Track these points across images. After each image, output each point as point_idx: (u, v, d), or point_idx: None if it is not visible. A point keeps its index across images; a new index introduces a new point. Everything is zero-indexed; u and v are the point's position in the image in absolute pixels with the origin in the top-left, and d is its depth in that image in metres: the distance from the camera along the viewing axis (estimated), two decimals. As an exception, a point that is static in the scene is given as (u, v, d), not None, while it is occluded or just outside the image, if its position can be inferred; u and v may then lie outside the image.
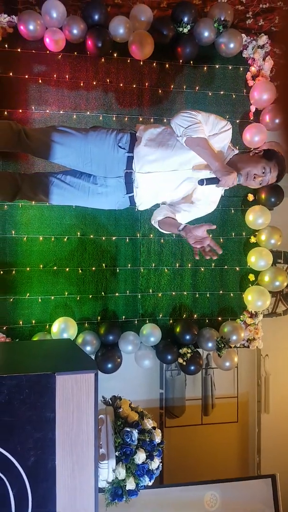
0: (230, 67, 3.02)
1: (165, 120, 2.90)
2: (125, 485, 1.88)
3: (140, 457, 1.90)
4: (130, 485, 1.88)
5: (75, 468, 1.15)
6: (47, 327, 2.76)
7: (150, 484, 1.98)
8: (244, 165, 1.84)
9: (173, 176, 1.87)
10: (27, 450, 1.04)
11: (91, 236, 2.85)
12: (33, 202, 2.66)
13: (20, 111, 2.71)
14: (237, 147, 1.91)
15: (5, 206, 2.69)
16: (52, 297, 2.78)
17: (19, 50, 2.70)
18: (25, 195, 2.08)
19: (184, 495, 2.85)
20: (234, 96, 3.03)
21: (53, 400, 1.08)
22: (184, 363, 2.89)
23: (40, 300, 2.76)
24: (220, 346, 2.89)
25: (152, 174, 1.87)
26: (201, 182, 1.75)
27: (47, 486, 1.04)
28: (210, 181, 1.75)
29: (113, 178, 1.94)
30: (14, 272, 2.72)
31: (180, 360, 2.89)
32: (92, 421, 1.16)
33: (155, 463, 1.97)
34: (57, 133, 1.94)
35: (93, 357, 2.80)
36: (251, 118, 3.03)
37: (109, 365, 2.73)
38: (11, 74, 2.69)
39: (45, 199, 2.07)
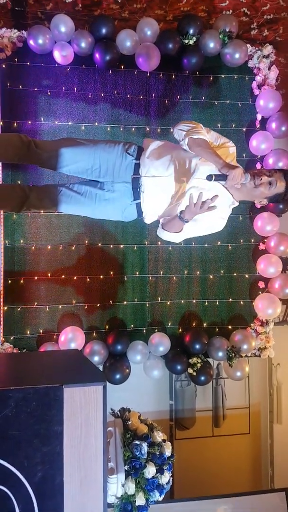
0: (235, 77, 3.03)
1: (171, 130, 2.91)
2: (135, 501, 1.84)
3: (150, 471, 1.86)
4: (140, 500, 1.84)
5: (84, 483, 1.13)
6: (55, 336, 2.75)
7: (160, 499, 1.93)
8: (250, 171, 1.84)
9: (178, 181, 1.87)
10: (35, 465, 1.02)
11: (99, 244, 2.85)
12: (41, 211, 2.67)
13: (30, 122, 2.74)
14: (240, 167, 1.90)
15: (14, 216, 2.71)
16: (60, 306, 2.78)
17: (28, 63, 2.75)
18: (32, 205, 2.10)
19: (195, 509, 2.79)
20: (240, 105, 3.04)
21: (61, 413, 1.06)
22: (194, 373, 2.85)
23: (47, 309, 2.76)
24: (230, 355, 2.85)
25: (157, 179, 1.88)
26: (209, 177, 1.71)
27: (54, 502, 1.02)
28: (218, 177, 1.71)
29: (120, 183, 1.97)
30: (22, 281, 2.72)
31: (190, 370, 2.86)
32: (101, 435, 1.14)
33: (166, 477, 1.93)
34: (67, 142, 2.01)
35: (101, 367, 2.77)
36: (258, 126, 3.04)
37: (118, 376, 2.70)
38: (20, 87, 2.73)
39: (53, 208, 2.09)
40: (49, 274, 2.76)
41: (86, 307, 2.82)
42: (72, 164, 1.97)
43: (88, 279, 2.82)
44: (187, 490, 3.15)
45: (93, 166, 1.96)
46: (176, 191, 1.89)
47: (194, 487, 3.21)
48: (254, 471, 3.70)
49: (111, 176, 1.97)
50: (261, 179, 1.80)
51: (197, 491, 3.11)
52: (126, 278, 2.89)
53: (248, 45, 2.98)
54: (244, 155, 2.98)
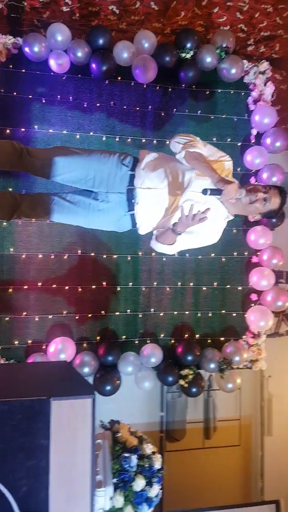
0: (231, 92, 3.07)
1: (167, 142, 2.93)
2: (123, 514, 1.82)
3: (139, 484, 1.84)
4: (128, 513, 1.82)
5: (70, 497, 1.12)
6: (44, 347, 2.72)
7: (148, 512, 1.91)
8: (246, 187, 1.85)
9: (172, 194, 1.87)
10: (19, 479, 1.00)
11: (92, 254, 2.84)
12: (33, 219, 2.66)
13: (23, 130, 2.74)
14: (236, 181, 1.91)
15: (4, 223, 2.69)
16: (50, 316, 2.75)
17: (23, 70, 2.75)
18: (24, 213, 2.08)
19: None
20: (235, 120, 3.07)
21: (47, 427, 1.04)
22: (186, 385, 2.84)
23: (37, 319, 2.73)
24: (222, 367, 2.85)
25: (152, 190, 1.88)
26: (204, 191, 1.72)
27: (39, 518, 1.00)
28: (213, 191, 1.72)
29: (115, 194, 1.95)
30: (11, 290, 2.69)
31: (182, 382, 2.84)
32: (89, 448, 1.13)
33: (155, 490, 1.91)
34: (61, 151, 1.99)
35: (91, 378, 2.75)
36: (253, 141, 3.07)
37: (108, 387, 2.68)
38: (15, 93, 2.73)
39: (45, 217, 2.08)
40: (39, 284, 2.73)
41: (77, 317, 2.80)
42: (66, 173, 1.97)
43: (80, 289, 2.81)
44: (177, 503, 3.11)
45: (87, 176, 1.95)
46: (170, 204, 1.89)
47: (183, 499, 3.18)
48: (244, 483, 3.67)
49: (106, 187, 1.96)
50: (256, 196, 1.80)
51: (186, 504, 3.07)
52: (119, 289, 2.88)
53: (245, 61, 3.03)
54: (238, 169, 3.01)
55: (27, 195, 2.14)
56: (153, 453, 1.99)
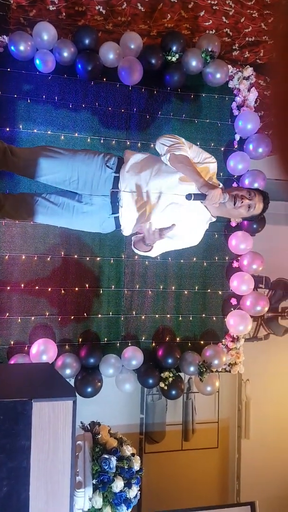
0: (216, 96, 3.11)
1: (152, 145, 2.95)
2: (102, 515, 1.82)
3: (118, 485, 1.85)
4: (107, 515, 1.82)
5: (50, 498, 1.11)
6: (26, 348, 2.69)
7: (127, 514, 1.92)
8: (230, 191, 1.87)
9: (157, 198, 1.88)
10: (0, 480, 0.99)
11: (75, 256, 2.83)
12: (16, 220, 2.63)
13: (8, 129, 2.71)
14: (220, 184, 1.94)
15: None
16: (33, 318, 2.73)
17: (8, 69, 2.72)
18: (7, 213, 2.07)
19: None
20: (219, 125, 3.11)
21: (28, 428, 1.04)
22: (166, 388, 2.85)
23: (19, 320, 2.70)
24: (202, 370, 2.87)
25: (136, 194, 1.88)
26: (188, 196, 1.74)
27: (19, 519, 1.00)
28: (197, 196, 1.74)
29: (99, 197, 1.95)
30: (-6, 290, 2.67)
31: (162, 385, 2.86)
32: (69, 450, 1.13)
33: (133, 491, 1.91)
34: (45, 152, 1.97)
35: (72, 380, 2.73)
36: (236, 147, 3.11)
37: (89, 389, 2.67)
38: (0, 92, 2.70)
39: (29, 218, 2.06)
40: (22, 285, 2.71)
41: (59, 319, 2.78)
42: (49, 174, 1.95)
43: (63, 291, 2.79)
44: (155, 504, 3.12)
45: (71, 178, 1.94)
46: (154, 206, 1.90)
47: (162, 500, 3.19)
48: (221, 485, 3.71)
49: (90, 189, 1.95)
50: (242, 202, 1.82)
51: (164, 505, 3.09)
52: (101, 291, 2.88)
53: (229, 66, 3.04)
54: (221, 174, 3.05)
55: (11, 195, 2.12)
56: (133, 454, 2.00)
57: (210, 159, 1.94)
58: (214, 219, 1.97)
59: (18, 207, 2.04)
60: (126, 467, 1.90)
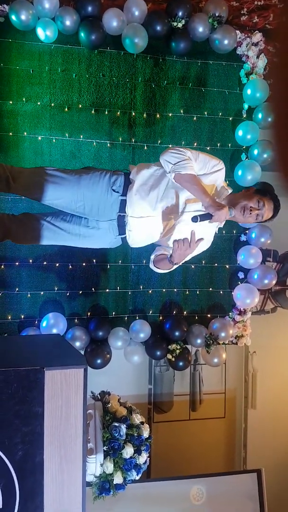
0: (224, 64, 3.01)
1: (157, 116, 2.88)
2: (113, 479, 1.89)
3: (128, 451, 1.91)
4: (118, 479, 1.89)
5: (63, 462, 1.15)
6: (36, 322, 2.74)
7: (137, 478, 1.99)
8: (239, 200, 1.84)
9: (166, 219, 1.86)
10: (15, 444, 1.03)
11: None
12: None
13: (11, 102, 2.67)
14: (230, 190, 1.91)
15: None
16: (42, 293, 2.76)
17: (10, 40, 2.65)
18: (14, 238, 2.10)
19: (170, 489, 2.87)
20: (227, 93, 3.02)
21: (41, 395, 1.07)
22: (173, 359, 2.90)
23: (29, 295, 2.73)
24: (208, 342, 2.90)
25: (144, 219, 1.87)
26: (194, 219, 1.72)
27: (34, 480, 1.04)
28: (203, 217, 1.73)
29: (105, 222, 1.94)
30: (3, 266, 2.69)
31: (169, 356, 2.90)
32: (81, 416, 1.16)
33: (143, 458, 1.98)
34: (48, 177, 1.91)
35: (82, 352, 2.79)
36: (244, 116, 3.03)
37: (99, 361, 2.72)
38: (1, 64, 2.64)
39: (35, 242, 2.09)
40: (30, 261, 2.73)
41: (68, 294, 2.81)
42: (54, 200, 1.93)
43: (70, 266, 2.81)
44: (163, 470, 3.23)
45: (77, 203, 1.91)
46: (164, 228, 1.89)
47: (170, 467, 3.30)
48: (228, 453, 3.81)
49: (96, 215, 1.93)
50: (250, 213, 1.81)
51: (172, 472, 3.19)
52: (108, 266, 2.89)
53: (238, 31, 2.93)
54: (229, 145, 2.99)
55: (15, 217, 2.11)
56: (142, 423, 2.05)
57: (218, 166, 1.85)
58: (222, 225, 1.95)
59: (25, 233, 2.06)
60: (135, 434, 1.96)
